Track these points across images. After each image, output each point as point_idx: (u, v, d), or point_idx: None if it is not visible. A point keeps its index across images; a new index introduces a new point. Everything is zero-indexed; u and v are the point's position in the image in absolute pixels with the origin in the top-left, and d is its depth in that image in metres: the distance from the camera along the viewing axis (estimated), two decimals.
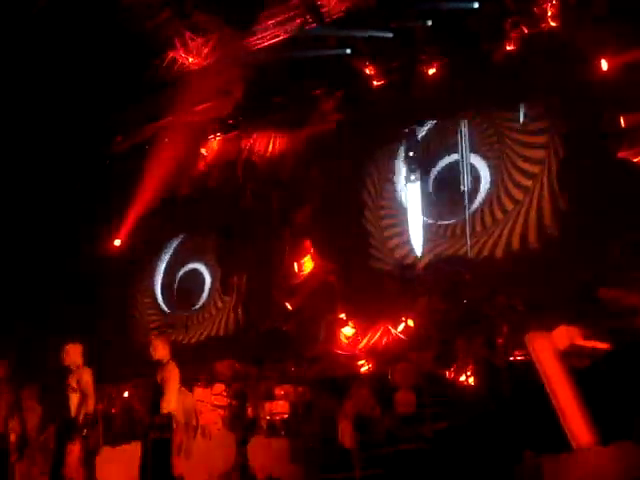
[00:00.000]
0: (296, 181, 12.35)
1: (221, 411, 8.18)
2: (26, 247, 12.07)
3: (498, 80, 10.56)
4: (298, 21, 11.88)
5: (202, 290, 12.98)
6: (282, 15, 11.95)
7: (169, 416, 6.19)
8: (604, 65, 9.60)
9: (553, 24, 10.31)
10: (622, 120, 9.42)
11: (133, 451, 6.56)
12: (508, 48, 10.63)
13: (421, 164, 11.43)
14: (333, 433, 7.45)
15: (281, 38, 12.02)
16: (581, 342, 5.63)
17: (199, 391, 8.21)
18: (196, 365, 9.76)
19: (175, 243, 13.40)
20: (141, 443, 6.22)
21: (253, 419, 8.23)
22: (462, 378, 7.94)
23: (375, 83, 11.85)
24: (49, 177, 12.41)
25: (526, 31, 10.50)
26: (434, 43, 11.26)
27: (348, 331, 11.16)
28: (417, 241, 11.22)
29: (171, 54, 12.45)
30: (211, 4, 11.76)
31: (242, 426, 8.05)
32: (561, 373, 5.51)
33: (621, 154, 9.27)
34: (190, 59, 12.52)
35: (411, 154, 11.46)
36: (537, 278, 9.27)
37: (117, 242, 13.42)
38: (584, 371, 5.75)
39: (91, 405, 6.55)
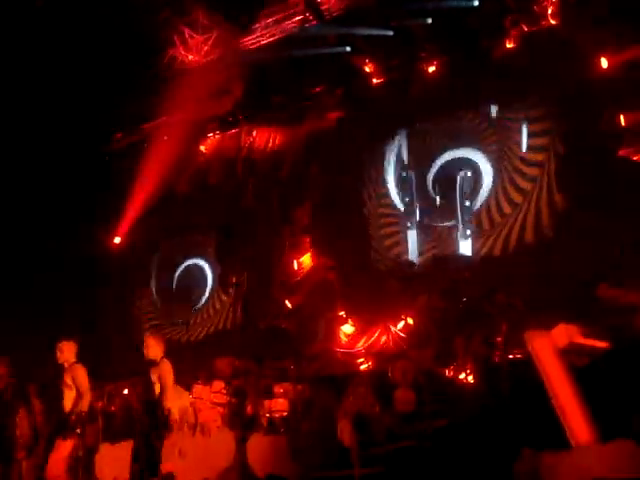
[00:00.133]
0: (296, 179, 12.35)
1: (220, 409, 8.17)
2: (24, 244, 12.06)
3: (498, 78, 10.56)
4: (298, 19, 11.87)
5: (201, 288, 12.99)
6: (282, 13, 11.94)
7: (169, 413, 6.20)
8: (604, 63, 9.59)
9: (553, 22, 10.30)
10: (622, 119, 9.41)
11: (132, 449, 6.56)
12: (508, 46, 10.62)
13: (419, 162, 11.42)
14: (332, 431, 7.45)
15: (281, 36, 12.01)
16: (580, 340, 5.62)
17: (198, 388, 8.22)
18: (195, 363, 9.77)
19: (174, 241, 13.39)
20: (135, 440, 6.22)
21: (252, 417, 8.22)
22: (461, 376, 7.94)
23: (375, 81, 11.85)
24: (47, 174, 12.39)
25: (526, 29, 10.49)
26: (434, 41, 11.25)
27: (348, 329, 11.17)
28: (416, 239, 11.21)
29: (170, 52, 12.44)
30: (211, 1, 11.75)
31: (241, 424, 8.04)
32: (560, 371, 5.51)
33: (621, 153, 9.26)
34: (190, 57, 12.51)
35: (408, 152, 11.46)
36: (536, 276, 9.27)
37: (116, 240, 13.42)
38: (583, 369, 5.75)
39: (86, 403, 6.56)
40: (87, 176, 13.12)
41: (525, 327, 6.21)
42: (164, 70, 12.45)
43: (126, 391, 9.20)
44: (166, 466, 6.26)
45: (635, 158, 9.21)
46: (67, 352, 6.75)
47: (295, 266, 12.01)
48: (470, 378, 7.87)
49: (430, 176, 11.30)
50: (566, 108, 9.97)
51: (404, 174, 11.57)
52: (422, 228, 11.19)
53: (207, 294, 12.95)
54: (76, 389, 6.56)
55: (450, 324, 8.32)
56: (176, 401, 6.49)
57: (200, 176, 13.38)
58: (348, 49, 11.67)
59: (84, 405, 6.56)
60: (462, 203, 10.88)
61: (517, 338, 6.82)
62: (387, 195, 11.71)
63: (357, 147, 11.93)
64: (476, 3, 10.60)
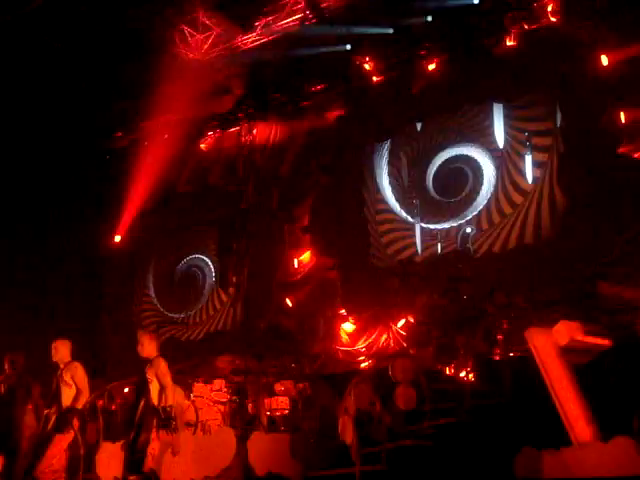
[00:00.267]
0: (296, 177, 12.33)
1: (221, 407, 8.16)
2: (26, 242, 12.05)
3: (498, 76, 10.53)
4: (298, 17, 11.84)
5: (202, 286, 12.97)
6: (282, 11, 11.91)
7: (170, 410, 6.19)
8: (604, 61, 9.57)
9: (553, 20, 10.27)
10: (622, 116, 9.39)
11: None
12: (508, 43, 10.59)
13: (419, 160, 11.40)
14: (333, 429, 7.44)
15: (281, 34, 11.98)
16: (581, 338, 5.62)
17: (199, 387, 8.21)
18: (196, 361, 9.76)
19: (174, 239, 13.37)
20: (131, 437, 6.20)
21: (253, 415, 8.22)
22: (462, 374, 7.91)
23: (375, 79, 11.82)
24: (47, 173, 12.38)
25: (526, 27, 10.47)
26: (434, 39, 11.23)
27: (348, 327, 11.16)
28: (416, 238, 11.19)
29: (171, 50, 12.40)
30: (211, 1, 11.73)
31: (242, 422, 8.03)
32: (561, 369, 5.50)
33: (621, 150, 9.24)
34: (190, 55, 12.48)
35: (407, 150, 11.44)
36: (537, 274, 9.25)
37: (117, 238, 13.40)
38: (584, 367, 5.75)
39: (84, 399, 6.56)
40: (87, 175, 13.12)
41: (526, 325, 6.22)
42: (164, 68, 12.41)
43: (127, 390, 9.19)
44: (152, 464, 6.23)
45: (635, 155, 9.19)
46: (62, 351, 6.75)
47: (295, 264, 12.00)
48: (471, 376, 7.84)
49: (430, 174, 11.27)
50: (566, 106, 9.94)
51: (403, 173, 11.54)
52: (422, 227, 11.15)
53: (207, 292, 12.93)
54: (75, 386, 6.55)
55: (451, 322, 8.29)
56: (173, 399, 6.46)
57: (200, 174, 13.37)
58: (348, 47, 11.65)
59: (83, 402, 6.56)
60: (462, 201, 10.84)
61: (518, 336, 6.79)
62: (384, 195, 11.68)
63: (357, 145, 11.90)
64: (476, 1, 10.58)
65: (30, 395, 6.92)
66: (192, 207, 13.11)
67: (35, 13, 10.64)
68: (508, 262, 10.10)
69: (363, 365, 10.36)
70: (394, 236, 11.42)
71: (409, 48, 11.50)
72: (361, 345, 10.86)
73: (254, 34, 12.19)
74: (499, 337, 7.99)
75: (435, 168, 11.25)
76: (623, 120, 9.39)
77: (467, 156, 11.01)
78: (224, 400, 8.20)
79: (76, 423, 6.43)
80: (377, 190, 11.75)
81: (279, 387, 8.33)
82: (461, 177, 10.98)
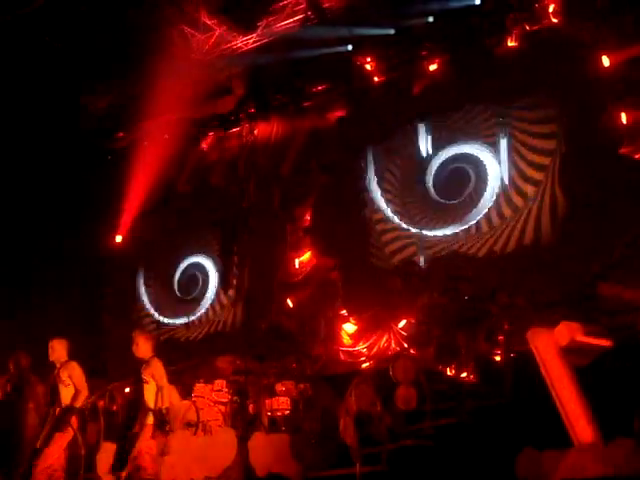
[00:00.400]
0: (297, 178, 12.33)
1: (222, 407, 8.16)
2: (25, 243, 12.06)
3: (500, 76, 10.53)
4: (300, 18, 11.84)
5: (202, 286, 12.95)
6: (283, 12, 11.92)
7: (166, 412, 6.18)
8: (605, 61, 9.56)
9: (555, 21, 10.28)
10: (623, 117, 9.38)
11: None
12: (510, 44, 10.59)
13: (419, 160, 11.39)
14: (334, 429, 7.44)
15: (282, 35, 11.99)
16: (582, 338, 5.61)
17: (199, 387, 8.21)
18: (197, 361, 9.75)
19: (175, 239, 13.35)
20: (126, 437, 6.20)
21: (254, 415, 8.22)
22: (463, 375, 7.91)
23: (376, 79, 11.82)
24: (48, 173, 12.38)
25: (528, 28, 10.47)
26: (435, 40, 11.23)
27: (349, 328, 11.15)
28: (416, 237, 11.18)
29: (172, 50, 12.40)
30: (213, 1, 11.74)
31: (243, 422, 8.03)
32: (563, 369, 5.50)
33: (622, 151, 9.23)
34: (191, 55, 12.47)
35: (408, 150, 11.43)
36: (538, 275, 9.25)
37: (118, 239, 13.40)
38: (585, 368, 5.74)
39: (83, 398, 6.56)
40: (88, 175, 13.12)
41: (527, 325, 6.21)
42: (165, 68, 12.42)
43: (127, 389, 9.19)
44: (150, 464, 6.24)
45: (636, 156, 9.18)
46: (59, 350, 6.77)
47: (296, 265, 11.99)
48: (472, 377, 7.84)
49: (430, 174, 11.24)
50: (567, 107, 9.93)
51: (402, 174, 11.52)
52: (423, 229, 11.14)
53: (208, 293, 12.92)
54: (74, 385, 6.56)
55: (452, 323, 8.29)
56: (169, 401, 6.46)
57: (201, 175, 13.37)
58: (349, 48, 11.65)
59: (82, 400, 6.57)
60: (464, 203, 10.81)
61: (519, 336, 6.79)
62: (387, 193, 11.67)
63: (358, 145, 11.90)
64: (478, 2, 10.58)
65: (34, 395, 6.95)
66: (193, 207, 13.11)
67: (35, 13, 10.64)
68: (509, 263, 10.09)
69: (364, 366, 10.35)
70: (397, 236, 11.41)
71: (410, 49, 11.50)
72: (362, 346, 10.86)
73: (255, 35, 12.19)
74: (500, 337, 7.99)
75: (435, 168, 11.22)
76: (624, 121, 9.39)
77: (469, 155, 10.94)
78: (225, 400, 8.20)
79: (75, 422, 6.43)
80: (378, 190, 11.74)
81: (280, 387, 8.32)
82: (463, 177, 10.95)
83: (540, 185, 10.15)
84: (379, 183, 11.74)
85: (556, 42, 10.04)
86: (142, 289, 13.52)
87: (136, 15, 11.45)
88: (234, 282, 12.54)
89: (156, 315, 13.21)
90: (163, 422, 6.09)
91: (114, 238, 13.38)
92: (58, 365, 6.73)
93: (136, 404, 6.31)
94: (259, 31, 12.12)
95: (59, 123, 12.23)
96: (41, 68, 11.40)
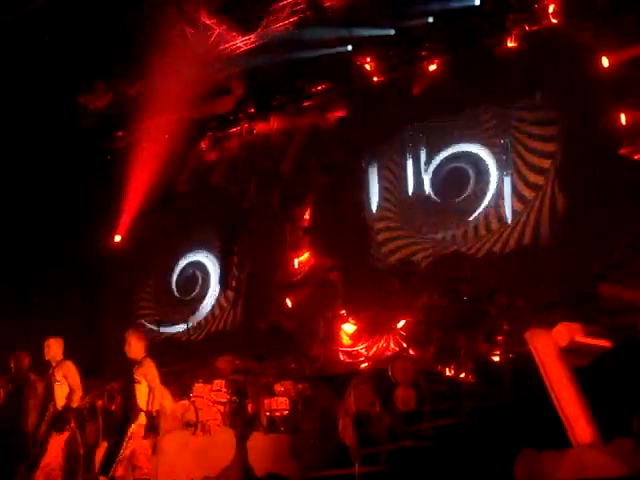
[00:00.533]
0: (297, 178, 12.32)
1: (221, 407, 8.16)
2: (25, 242, 12.04)
3: (499, 77, 10.52)
4: (299, 18, 11.84)
5: (202, 286, 12.94)
6: (284, 12, 11.90)
7: (157, 415, 6.17)
8: (605, 62, 9.55)
9: (554, 21, 10.27)
10: (623, 117, 9.38)
11: None
12: (509, 45, 10.59)
13: (418, 159, 11.37)
14: (333, 430, 7.43)
15: (282, 35, 11.98)
16: (582, 339, 5.61)
17: (199, 387, 8.20)
18: (196, 361, 9.75)
19: (175, 239, 13.34)
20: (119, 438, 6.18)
21: (253, 415, 8.21)
22: (462, 375, 7.91)
23: (376, 79, 11.82)
24: (47, 173, 12.36)
25: (527, 28, 10.47)
26: (435, 40, 11.22)
27: (348, 328, 11.14)
28: (415, 238, 11.17)
29: (171, 49, 12.38)
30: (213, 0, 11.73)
31: (242, 422, 8.03)
32: (562, 370, 5.49)
33: (622, 151, 9.23)
34: (190, 55, 12.45)
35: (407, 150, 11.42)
36: (538, 275, 9.24)
37: (117, 238, 13.39)
38: (585, 368, 5.73)
39: (78, 398, 6.55)
40: (88, 175, 13.10)
41: (526, 326, 6.21)
42: (164, 68, 12.41)
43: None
44: (145, 465, 6.22)
45: (636, 157, 9.18)
46: (54, 349, 6.77)
47: (296, 265, 11.98)
48: (471, 377, 7.84)
49: (429, 174, 11.23)
50: (567, 107, 9.92)
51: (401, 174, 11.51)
52: (421, 230, 11.13)
53: (208, 293, 12.90)
54: (68, 385, 6.56)
55: (451, 323, 8.28)
56: (161, 402, 6.44)
57: (201, 175, 13.36)
58: (349, 48, 11.65)
59: (77, 400, 6.57)
60: (463, 202, 10.80)
61: (518, 337, 6.78)
62: (387, 193, 11.66)
63: (358, 146, 11.89)
64: (477, 2, 10.57)
65: (35, 394, 6.96)
66: (193, 207, 13.10)
67: (35, 13, 10.63)
68: (508, 263, 10.08)
69: (363, 366, 10.34)
70: (390, 236, 11.40)
71: (410, 49, 11.50)
72: (361, 346, 10.84)
73: (255, 35, 12.17)
74: (499, 338, 7.98)
75: (434, 168, 11.20)
76: (624, 122, 9.38)
77: (469, 153, 10.87)
78: (224, 400, 8.19)
79: (73, 422, 6.43)
80: (378, 190, 11.73)
81: (279, 388, 8.32)
82: (462, 177, 10.92)
83: (540, 187, 10.12)
84: (379, 183, 11.73)
85: (556, 43, 10.03)
86: (141, 289, 13.51)
87: (136, 15, 11.44)
88: (233, 282, 12.53)
89: (156, 315, 13.19)
90: (153, 425, 6.06)
91: (113, 238, 13.37)
92: (54, 364, 6.73)
93: (128, 404, 6.28)
94: (259, 31, 12.10)
95: (58, 123, 12.21)
96: (41, 68, 11.38)
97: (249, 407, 8.29)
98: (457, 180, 10.96)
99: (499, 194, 10.50)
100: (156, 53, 11.38)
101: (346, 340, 11.08)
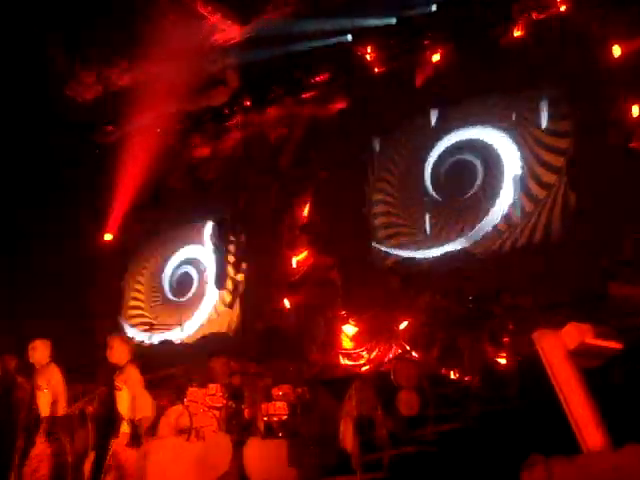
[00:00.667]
0: (295, 173, 12.31)
1: (216, 412, 8.14)
2: (11, 243, 12.03)
3: (505, 67, 10.49)
4: (298, 7, 11.82)
5: (196, 287, 12.93)
6: (281, 1, 11.88)
7: (139, 424, 6.14)
8: (616, 51, 9.53)
9: (562, 9, 10.25)
10: (635, 109, 9.36)
11: None
12: (516, 34, 10.57)
13: (417, 153, 11.36)
14: (333, 435, 7.43)
15: (280, 24, 11.95)
16: (592, 340, 5.59)
17: (193, 391, 8.19)
18: (190, 364, 9.74)
19: (167, 237, 13.33)
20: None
21: (250, 420, 8.21)
22: (467, 378, 7.92)
23: (377, 70, 11.81)
24: (34, 169, 12.34)
25: (535, 16, 10.45)
26: (438, 29, 11.21)
27: (350, 330, 11.13)
28: (420, 236, 11.16)
29: (164, 40, 12.36)
30: None
31: (238, 428, 8.02)
32: (571, 373, 5.48)
33: (633, 145, 9.21)
34: (184, 46, 12.43)
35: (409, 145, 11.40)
36: (546, 274, 9.22)
37: (108, 237, 13.37)
38: (594, 371, 5.72)
39: (62, 406, 6.50)
40: (76, 171, 13.07)
41: (533, 327, 6.20)
42: (157, 59, 12.39)
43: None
44: (133, 474, 6.22)
45: None
46: (40, 352, 6.71)
47: (294, 264, 11.97)
48: (476, 380, 7.85)
49: (427, 168, 11.20)
50: (576, 100, 9.88)
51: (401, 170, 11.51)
52: (423, 226, 11.11)
53: (203, 293, 12.89)
54: (51, 392, 6.51)
55: (455, 324, 8.29)
56: (144, 410, 6.40)
57: (194, 170, 13.34)
58: (349, 38, 11.63)
59: (61, 409, 6.52)
60: (469, 200, 10.77)
61: (525, 338, 6.78)
62: (390, 189, 11.65)
63: (359, 139, 11.87)
64: None
65: (23, 398, 6.94)
66: (186, 204, 13.08)
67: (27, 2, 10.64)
68: (514, 261, 10.05)
69: (364, 369, 10.34)
70: (399, 233, 11.38)
71: (412, 39, 11.49)
72: (362, 348, 10.84)
73: (251, 24, 12.15)
74: (505, 339, 7.99)
75: (434, 159, 11.16)
76: (635, 114, 9.36)
77: (478, 141, 10.82)
78: (219, 405, 8.18)
79: (63, 433, 6.40)
80: (380, 186, 11.72)
81: (277, 392, 8.30)
82: (467, 172, 10.89)
83: (551, 186, 10.07)
84: (379, 178, 11.72)
85: (564, 31, 10.01)
86: (132, 290, 13.50)
87: (127, 3, 11.42)
88: (229, 282, 12.53)
89: (148, 316, 13.20)
90: (137, 433, 6.04)
91: (103, 237, 13.35)
92: (38, 367, 6.69)
93: (109, 413, 6.26)
94: (255, 20, 12.08)
95: (46, 116, 12.19)
96: (26, 57, 11.36)
97: (246, 412, 8.28)
98: (462, 175, 10.92)
99: (507, 192, 10.47)
100: (148, 43, 11.38)
101: (347, 342, 11.07)
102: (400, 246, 11.23)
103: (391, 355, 10.15)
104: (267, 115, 12.80)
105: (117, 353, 6.36)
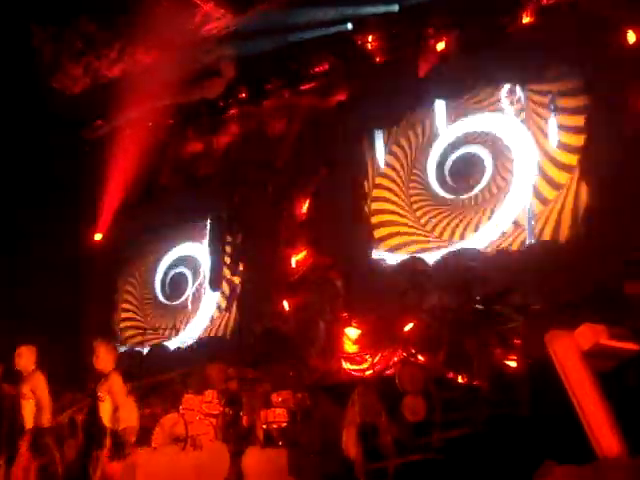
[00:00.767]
0: (293, 168, 12.31)
1: (213, 420, 8.16)
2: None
3: (513, 55, 10.47)
4: None
5: (191, 288, 12.93)
6: None
7: (123, 434, 6.17)
8: (631, 38, 9.51)
9: None
10: None
11: None
12: (525, 20, 10.56)
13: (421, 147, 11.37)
14: (335, 442, 7.44)
15: (277, 13, 11.95)
16: (607, 342, 5.60)
17: (189, 398, 8.20)
18: (185, 370, 9.74)
19: (160, 236, 13.32)
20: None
21: (248, 428, 8.22)
22: (476, 382, 7.92)
23: (378, 60, 11.81)
24: (19, 167, 12.34)
25: (544, 1, 10.44)
26: (443, 16, 11.21)
27: (352, 333, 11.12)
28: (424, 234, 11.16)
29: (156, 29, 12.36)
30: None
31: (236, 436, 8.04)
32: (585, 375, 5.48)
33: None
34: (177, 35, 12.43)
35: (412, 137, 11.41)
36: (558, 272, 9.20)
37: (98, 237, 13.36)
38: (609, 373, 5.73)
39: (47, 417, 6.54)
40: (64, 168, 13.06)
41: (545, 328, 6.20)
42: (149, 49, 12.40)
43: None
44: None
45: None
46: (26, 359, 6.77)
47: (293, 263, 11.97)
48: (485, 384, 7.85)
49: (432, 162, 11.20)
50: (589, 89, 9.86)
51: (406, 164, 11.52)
52: (428, 224, 11.12)
53: (198, 295, 12.89)
54: (36, 401, 6.55)
55: (462, 326, 8.29)
56: (128, 420, 6.42)
57: (188, 166, 13.34)
58: (349, 27, 11.63)
59: (46, 419, 6.55)
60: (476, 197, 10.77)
61: (537, 340, 6.77)
62: (391, 185, 11.65)
63: (359, 132, 11.87)
64: None
65: (9, 406, 6.96)
66: (179, 202, 13.07)
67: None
68: (525, 260, 10.03)
69: (368, 373, 10.34)
70: (403, 231, 11.39)
71: (416, 26, 11.48)
72: (365, 351, 10.84)
73: (247, 12, 12.15)
74: (516, 341, 7.99)
75: (439, 153, 11.16)
76: None
77: (486, 134, 10.77)
78: (216, 412, 8.20)
79: (52, 443, 6.43)
80: (381, 182, 11.73)
81: (276, 398, 8.31)
82: (475, 166, 10.89)
83: (563, 183, 10.05)
84: (381, 174, 11.72)
85: (575, 17, 9.98)
86: (125, 293, 13.50)
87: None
88: (225, 284, 12.52)
89: (140, 320, 13.20)
90: (120, 444, 6.08)
91: (93, 236, 13.35)
92: (24, 374, 6.73)
93: (91, 423, 6.30)
94: (251, 8, 12.08)
95: (31, 110, 12.18)
96: (11, 48, 11.37)
97: (244, 419, 8.29)
98: (470, 170, 10.91)
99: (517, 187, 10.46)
100: (138, 33, 11.38)
101: (349, 346, 11.06)
102: (404, 244, 11.23)
103: (395, 359, 10.15)
104: (264, 107, 12.80)
105: (103, 360, 6.44)
